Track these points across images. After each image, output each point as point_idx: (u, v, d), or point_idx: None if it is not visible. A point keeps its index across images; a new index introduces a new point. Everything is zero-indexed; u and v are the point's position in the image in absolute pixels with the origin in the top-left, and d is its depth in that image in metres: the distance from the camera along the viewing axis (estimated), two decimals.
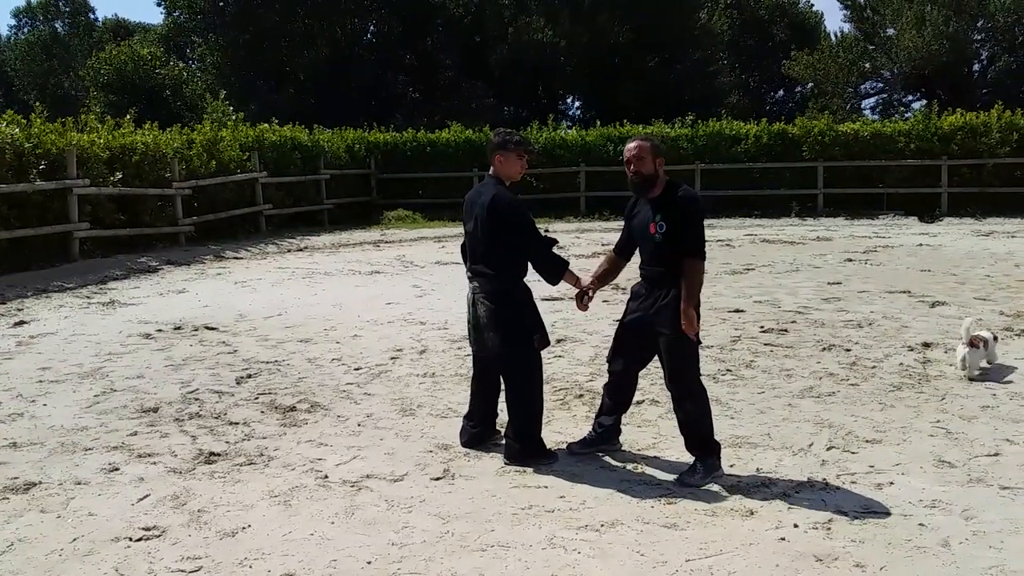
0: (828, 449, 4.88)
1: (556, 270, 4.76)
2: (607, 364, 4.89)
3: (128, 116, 17.37)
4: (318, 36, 35.82)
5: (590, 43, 35.29)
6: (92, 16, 52.59)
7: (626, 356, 4.71)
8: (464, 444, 5.00)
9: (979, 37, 35.27)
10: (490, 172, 4.83)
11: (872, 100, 40.00)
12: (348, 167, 22.88)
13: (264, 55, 35.26)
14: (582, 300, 4.91)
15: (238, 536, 3.85)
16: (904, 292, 10.05)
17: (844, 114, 31.92)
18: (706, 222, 4.55)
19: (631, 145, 4.55)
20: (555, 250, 4.82)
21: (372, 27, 39.45)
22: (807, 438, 5.08)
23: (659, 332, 4.45)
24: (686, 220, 4.38)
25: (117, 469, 4.70)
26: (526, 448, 4.72)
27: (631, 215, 4.71)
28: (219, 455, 4.90)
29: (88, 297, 10.57)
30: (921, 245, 15.05)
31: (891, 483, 4.37)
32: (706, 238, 4.50)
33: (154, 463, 4.78)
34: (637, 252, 4.73)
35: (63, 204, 13.17)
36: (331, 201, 21.47)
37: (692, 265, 4.36)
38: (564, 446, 4.93)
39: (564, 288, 5.13)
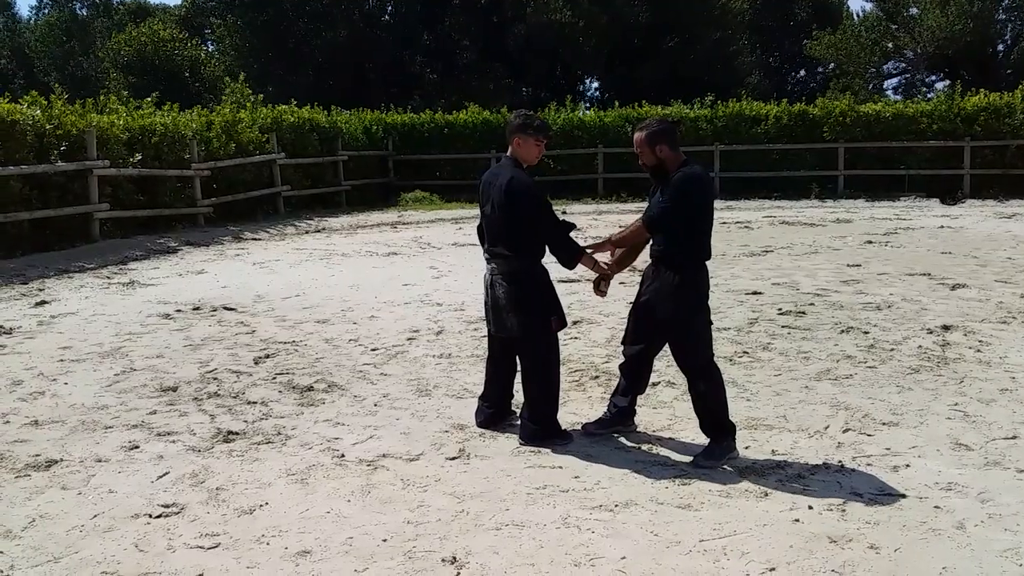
0: (844, 431, 4.87)
1: (572, 254, 4.74)
2: (622, 346, 4.90)
3: (151, 99, 17.47)
4: (336, 17, 35.73)
5: (609, 23, 35.01)
6: None
7: (639, 338, 4.71)
8: (479, 424, 5.02)
9: (1003, 17, 34.75)
10: (507, 153, 4.83)
11: (895, 80, 39.65)
12: (366, 148, 22.91)
13: (282, 36, 35.24)
14: (599, 286, 4.90)
15: (256, 513, 3.89)
16: (924, 274, 9.97)
17: (866, 94, 31.59)
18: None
19: (634, 137, 4.57)
20: (572, 235, 4.80)
21: (390, 8, 39.33)
22: (823, 420, 5.06)
23: (660, 318, 4.47)
24: (666, 196, 4.38)
25: (137, 447, 4.75)
26: (542, 428, 4.73)
27: (651, 195, 4.71)
28: (237, 434, 4.95)
29: (108, 277, 10.67)
30: (942, 227, 14.91)
31: (907, 465, 4.35)
32: (710, 220, 4.50)
33: (173, 441, 4.84)
34: None
35: (83, 185, 13.27)
36: (349, 182, 21.51)
37: (641, 227, 4.46)
38: (579, 427, 4.94)
39: (581, 270, 5.12)
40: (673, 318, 4.44)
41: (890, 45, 36.23)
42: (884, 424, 4.98)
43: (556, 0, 34.56)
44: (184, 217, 15.86)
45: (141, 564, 3.44)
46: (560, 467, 4.41)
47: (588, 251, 4.81)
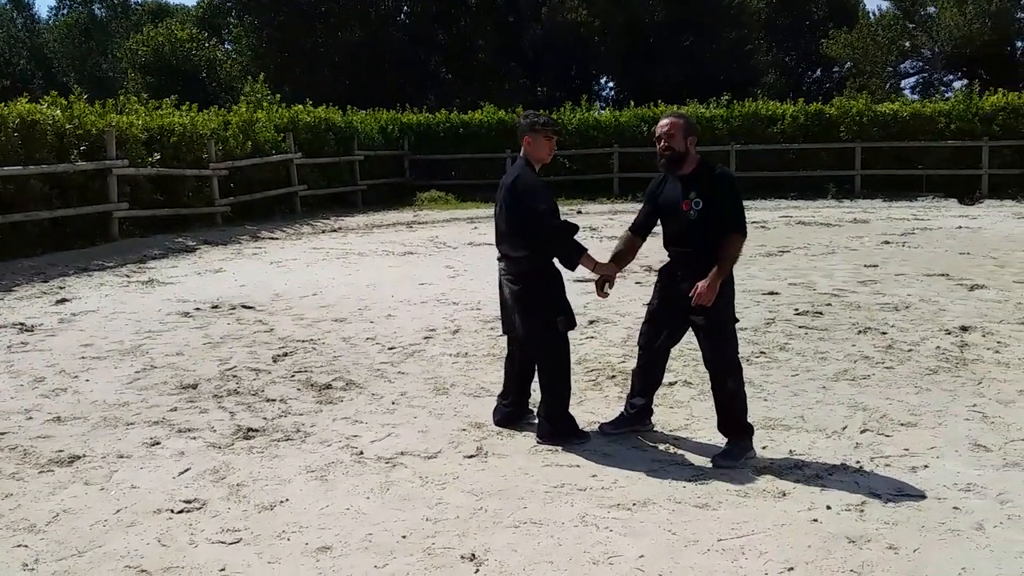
0: (862, 432, 4.86)
1: (571, 256, 4.67)
2: (638, 346, 4.90)
3: (170, 99, 17.59)
4: (351, 17, 35.84)
5: (624, 23, 34.98)
6: None
7: (656, 337, 4.72)
8: (497, 423, 5.04)
9: (1022, 15, 34.44)
10: (520, 154, 4.84)
11: (912, 80, 39.36)
12: (381, 148, 22.96)
13: (298, 36, 35.38)
14: (602, 288, 4.88)
15: (276, 510, 3.93)
16: (942, 275, 9.92)
17: (883, 94, 31.36)
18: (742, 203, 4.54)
19: (663, 122, 4.55)
20: (576, 238, 4.75)
21: (405, 8, 39.42)
22: (841, 421, 5.05)
23: (695, 317, 4.46)
24: (727, 197, 4.40)
25: (158, 443, 4.80)
26: (556, 427, 4.75)
27: (655, 193, 4.69)
28: (257, 431, 4.99)
29: (127, 276, 10.76)
30: (960, 228, 14.81)
31: (926, 466, 4.34)
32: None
33: (194, 438, 4.89)
34: (658, 231, 4.73)
35: (103, 184, 13.37)
36: (365, 182, 21.58)
37: (734, 239, 4.40)
38: (596, 426, 4.95)
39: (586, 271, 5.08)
40: (709, 315, 4.44)
41: (907, 44, 36.03)
42: (902, 425, 4.97)
43: None
44: (202, 216, 15.94)
45: (164, 558, 3.48)
46: (578, 466, 4.42)
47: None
